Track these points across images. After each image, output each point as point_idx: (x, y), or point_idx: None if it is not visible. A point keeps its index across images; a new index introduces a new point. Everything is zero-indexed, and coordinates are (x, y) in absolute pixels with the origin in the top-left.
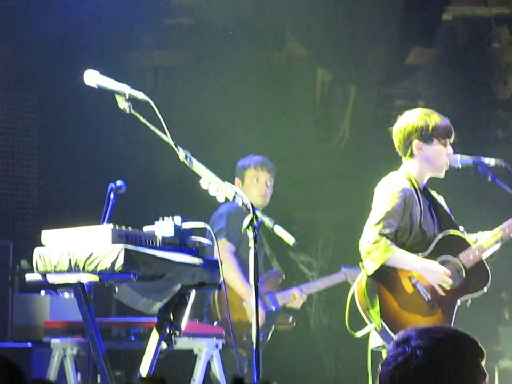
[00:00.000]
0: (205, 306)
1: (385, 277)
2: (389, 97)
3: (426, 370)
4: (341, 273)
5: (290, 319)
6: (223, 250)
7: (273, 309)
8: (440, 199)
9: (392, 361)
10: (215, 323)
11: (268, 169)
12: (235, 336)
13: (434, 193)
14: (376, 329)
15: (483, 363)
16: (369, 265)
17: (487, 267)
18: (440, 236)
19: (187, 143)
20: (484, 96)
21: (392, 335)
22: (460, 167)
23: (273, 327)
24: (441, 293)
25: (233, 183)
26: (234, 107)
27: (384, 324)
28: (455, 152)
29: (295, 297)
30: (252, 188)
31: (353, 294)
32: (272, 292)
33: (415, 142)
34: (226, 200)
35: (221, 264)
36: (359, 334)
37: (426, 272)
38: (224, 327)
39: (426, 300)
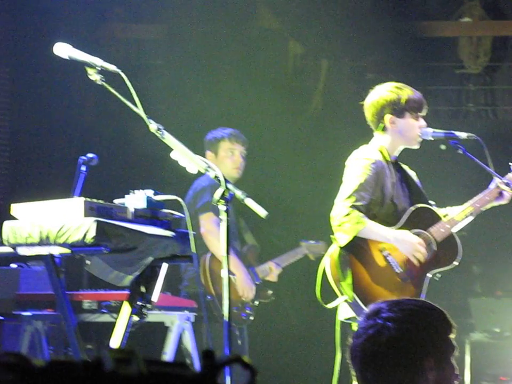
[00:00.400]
0: (184, 280)
1: (357, 250)
2: (360, 70)
3: (398, 341)
4: (303, 247)
5: (270, 292)
6: (210, 224)
7: (256, 283)
8: (412, 173)
9: (363, 334)
10: (209, 297)
11: (242, 141)
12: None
13: (405, 167)
14: (347, 301)
15: (452, 336)
16: (342, 238)
17: (458, 241)
18: (411, 209)
19: (159, 116)
20: (456, 70)
21: (364, 307)
22: (432, 139)
23: (256, 301)
24: (416, 264)
25: (203, 155)
26: (205, 79)
27: (355, 296)
28: (427, 125)
29: (271, 270)
30: (227, 160)
31: (324, 266)
32: (253, 266)
33: (388, 116)
34: (200, 173)
35: (193, 236)
36: (330, 305)
37: (400, 243)
38: (217, 301)
39: (398, 272)
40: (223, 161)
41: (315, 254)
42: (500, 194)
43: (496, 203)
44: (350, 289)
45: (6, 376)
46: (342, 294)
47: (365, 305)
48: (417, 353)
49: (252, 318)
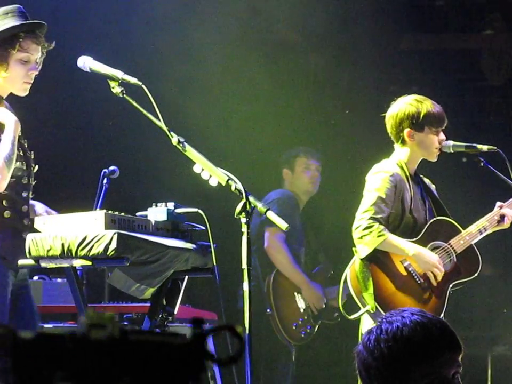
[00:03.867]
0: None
1: (378, 260)
2: (382, 82)
3: (401, 354)
4: None
5: (336, 314)
6: (274, 239)
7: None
8: (432, 187)
9: (364, 346)
10: (268, 310)
11: (317, 157)
12: (284, 326)
13: (426, 181)
14: (369, 312)
15: (459, 357)
16: (362, 250)
17: (478, 252)
18: (431, 221)
19: (180, 129)
20: (477, 82)
21: None
22: (452, 152)
23: (319, 321)
24: (433, 282)
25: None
26: (230, 92)
27: (378, 306)
28: (448, 138)
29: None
30: (303, 175)
31: (345, 278)
32: (321, 285)
33: (407, 130)
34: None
35: (214, 249)
36: (353, 317)
37: (418, 259)
38: (276, 315)
39: (419, 282)
40: (300, 177)
41: None
42: (501, 217)
43: (498, 227)
44: (372, 299)
45: None
46: (364, 306)
47: None
48: (404, 366)
49: (313, 334)
